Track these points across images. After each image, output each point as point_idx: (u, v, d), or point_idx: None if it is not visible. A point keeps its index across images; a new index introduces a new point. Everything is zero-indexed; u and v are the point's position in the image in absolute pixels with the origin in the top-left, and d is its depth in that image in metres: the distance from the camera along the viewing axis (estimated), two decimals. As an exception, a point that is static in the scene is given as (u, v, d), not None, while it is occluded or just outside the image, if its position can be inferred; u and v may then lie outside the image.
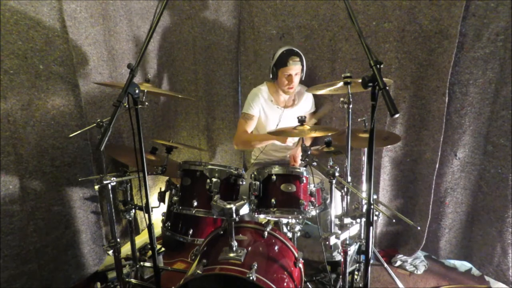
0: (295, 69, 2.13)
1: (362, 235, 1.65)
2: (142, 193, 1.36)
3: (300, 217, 1.67)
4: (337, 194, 1.81)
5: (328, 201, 1.71)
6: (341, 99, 1.50)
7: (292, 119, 2.22)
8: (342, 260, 1.63)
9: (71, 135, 1.81)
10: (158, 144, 1.98)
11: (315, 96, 2.45)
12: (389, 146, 2.17)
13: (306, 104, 2.40)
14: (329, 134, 1.77)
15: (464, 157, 2.03)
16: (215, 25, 2.62)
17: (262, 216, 1.70)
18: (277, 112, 2.29)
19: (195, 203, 1.65)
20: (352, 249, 1.71)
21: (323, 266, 2.19)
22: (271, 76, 2.24)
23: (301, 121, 1.71)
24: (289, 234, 1.78)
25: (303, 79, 2.25)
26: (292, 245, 1.61)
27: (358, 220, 1.54)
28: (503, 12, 1.75)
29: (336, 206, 1.94)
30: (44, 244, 1.85)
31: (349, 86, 1.50)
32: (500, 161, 1.91)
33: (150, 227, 1.43)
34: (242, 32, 2.63)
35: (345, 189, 1.60)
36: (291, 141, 2.09)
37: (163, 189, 1.85)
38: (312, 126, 1.78)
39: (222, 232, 1.55)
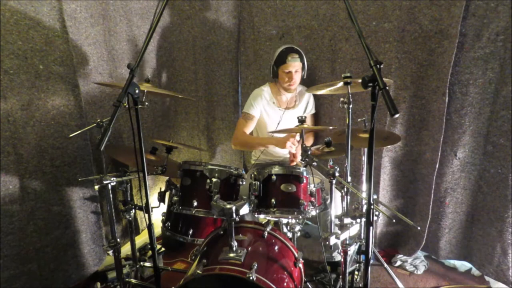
0: (295, 66, 2.13)
1: (362, 235, 1.65)
2: (142, 193, 1.36)
3: (300, 217, 1.67)
4: (337, 194, 1.81)
5: (328, 201, 1.71)
6: (341, 99, 1.50)
7: (293, 120, 2.22)
8: (342, 260, 1.63)
9: (71, 135, 1.81)
10: (158, 144, 1.98)
11: (315, 96, 2.45)
12: (389, 146, 2.17)
13: (307, 105, 2.41)
14: (330, 127, 1.87)
15: (464, 157, 2.03)
16: (215, 25, 2.62)
17: (262, 216, 1.69)
18: (278, 113, 2.29)
19: (195, 203, 1.65)
20: (352, 249, 1.71)
21: (323, 266, 2.19)
22: (271, 75, 2.24)
23: (301, 121, 1.73)
24: (289, 234, 1.78)
25: (304, 77, 2.25)
26: (292, 245, 1.61)
27: (358, 220, 1.54)
28: (503, 12, 1.75)
29: (336, 206, 1.94)
30: (44, 244, 1.85)
31: (349, 86, 1.50)
32: (500, 161, 1.91)
33: (150, 227, 1.43)
34: (242, 32, 2.63)
35: (345, 189, 1.60)
36: (289, 145, 1.98)
37: (163, 189, 1.85)
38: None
39: (222, 232, 1.55)
